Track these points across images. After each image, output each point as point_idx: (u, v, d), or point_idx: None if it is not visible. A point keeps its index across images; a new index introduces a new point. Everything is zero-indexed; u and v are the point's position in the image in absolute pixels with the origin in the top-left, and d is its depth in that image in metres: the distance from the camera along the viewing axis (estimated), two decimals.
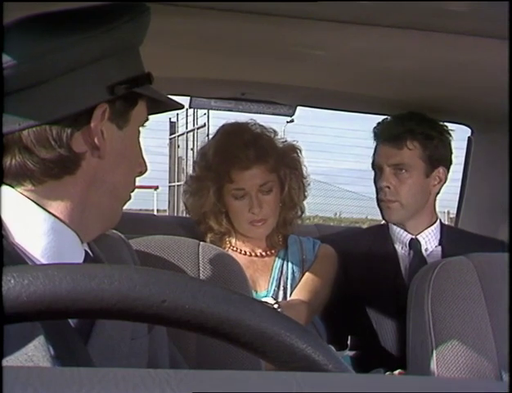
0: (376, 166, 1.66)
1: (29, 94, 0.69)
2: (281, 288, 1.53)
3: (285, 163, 1.56)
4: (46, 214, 0.72)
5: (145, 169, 0.84)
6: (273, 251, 1.59)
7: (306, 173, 1.62)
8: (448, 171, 1.68)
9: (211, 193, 1.52)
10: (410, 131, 1.61)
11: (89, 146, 0.73)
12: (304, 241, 1.61)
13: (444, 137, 1.65)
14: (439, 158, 1.63)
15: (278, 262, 1.57)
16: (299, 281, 1.54)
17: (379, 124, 1.69)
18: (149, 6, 0.78)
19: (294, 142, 1.62)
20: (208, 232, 1.57)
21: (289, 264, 1.55)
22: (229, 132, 1.56)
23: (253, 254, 1.57)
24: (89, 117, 0.73)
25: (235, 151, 1.49)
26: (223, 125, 1.60)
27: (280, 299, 1.51)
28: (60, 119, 0.70)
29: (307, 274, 1.55)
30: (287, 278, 1.54)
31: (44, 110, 0.70)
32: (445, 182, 1.68)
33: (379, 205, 1.67)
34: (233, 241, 1.58)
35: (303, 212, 1.64)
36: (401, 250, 1.65)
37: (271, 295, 1.52)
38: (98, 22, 0.72)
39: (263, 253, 1.58)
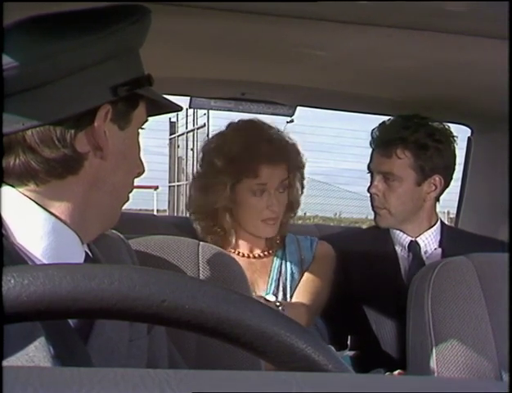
0: (369, 171, 1.66)
1: (34, 94, 0.69)
2: (280, 289, 1.53)
3: (296, 164, 1.57)
4: (47, 215, 0.72)
5: (143, 171, 0.85)
6: (271, 251, 1.58)
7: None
8: (448, 178, 1.64)
9: (228, 189, 1.50)
10: (401, 139, 1.57)
11: (92, 147, 0.74)
12: (302, 239, 1.60)
13: (442, 146, 1.60)
14: (434, 167, 1.59)
15: (276, 262, 1.56)
16: (299, 281, 1.53)
17: (374, 129, 1.66)
18: (150, 9, 0.78)
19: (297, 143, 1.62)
20: (211, 230, 1.56)
21: (288, 265, 1.55)
22: (254, 126, 1.54)
23: (251, 255, 1.56)
24: (92, 117, 0.73)
25: (266, 145, 1.48)
26: (241, 120, 1.58)
27: (279, 299, 1.51)
28: (64, 119, 0.71)
29: (306, 275, 1.54)
30: (286, 279, 1.53)
31: (48, 111, 0.70)
32: (446, 187, 1.65)
33: (371, 209, 1.67)
34: (233, 241, 1.57)
35: (295, 214, 1.65)
36: (400, 252, 1.65)
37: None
38: (101, 24, 0.72)
39: (261, 254, 1.57)
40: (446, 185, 1.66)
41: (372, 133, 1.66)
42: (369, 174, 1.67)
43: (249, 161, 1.48)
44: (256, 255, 1.57)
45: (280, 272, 1.55)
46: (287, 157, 1.52)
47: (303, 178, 1.61)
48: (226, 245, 1.56)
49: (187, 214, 1.68)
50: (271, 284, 1.53)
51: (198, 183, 1.58)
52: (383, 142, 1.61)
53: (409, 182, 1.60)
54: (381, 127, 1.65)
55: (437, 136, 1.60)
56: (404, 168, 1.59)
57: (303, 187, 1.62)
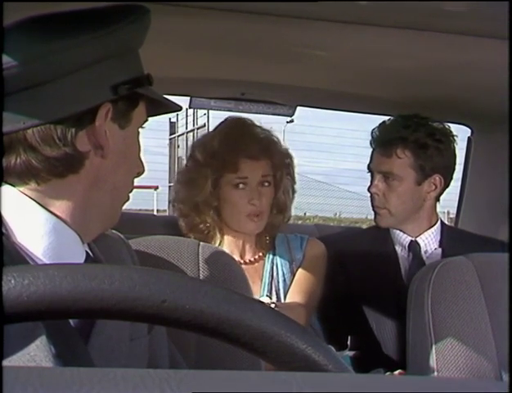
0: (369, 171, 1.66)
1: (34, 93, 0.69)
2: (274, 292, 1.52)
3: (284, 165, 1.58)
4: (48, 214, 0.72)
5: (143, 171, 0.85)
6: (261, 255, 1.58)
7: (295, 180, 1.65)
8: (448, 178, 1.64)
9: (209, 182, 1.52)
10: (401, 139, 1.57)
11: (93, 145, 0.74)
12: (292, 239, 1.60)
13: (442, 146, 1.60)
14: (434, 167, 1.59)
15: (268, 266, 1.56)
16: (291, 282, 1.54)
17: (373, 129, 1.66)
18: (149, 9, 0.78)
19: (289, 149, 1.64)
20: (195, 227, 1.56)
21: (279, 267, 1.55)
22: (237, 123, 1.57)
23: (242, 261, 1.55)
24: (93, 116, 0.73)
25: (246, 141, 1.51)
26: (228, 118, 1.61)
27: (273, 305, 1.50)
28: (65, 118, 0.71)
29: (298, 274, 1.54)
30: (278, 282, 1.53)
31: (49, 109, 0.70)
32: (446, 187, 1.65)
33: (372, 209, 1.67)
34: (217, 241, 1.57)
35: (289, 218, 1.66)
36: (400, 252, 1.65)
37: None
38: (100, 24, 0.73)
39: (252, 258, 1.57)
40: (447, 185, 1.66)
41: (372, 132, 1.66)
42: (369, 174, 1.67)
43: (229, 155, 1.50)
44: (247, 261, 1.57)
45: (272, 275, 1.55)
46: (269, 154, 1.53)
47: (293, 181, 1.63)
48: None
49: (173, 208, 1.67)
50: (263, 288, 1.53)
51: (182, 178, 1.60)
52: (383, 142, 1.61)
53: (409, 181, 1.60)
54: (381, 126, 1.65)
55: (438, 135, 1.60)
56: (404, 167, 1.59)
57: (293, 192, 1.63)
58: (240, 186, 1.51)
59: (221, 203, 1.54)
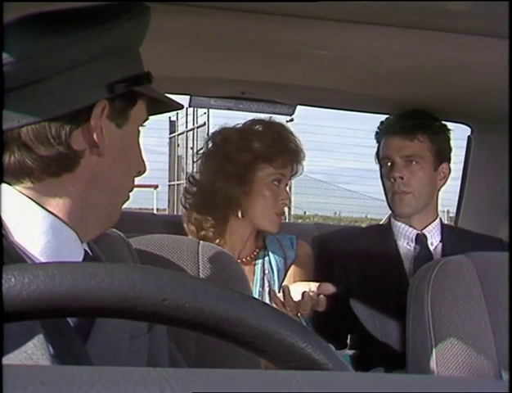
0: (386, 159, 1.67)
1: (29, 91, 0.69)
2: (265, 288, 1.54)
3: (297, 171, 1.63)
4: (45, 213, 0.72)
5: (145, 170, 0.84)
6: (254, 255, 1.60)
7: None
8: (450, 167, 1.71)
9: (257, 176, 1.53)
10: (421, 125, 1.65)
11: (88, 144, 0.73)
12: (281, 239, 1.62)
13: (446, 134, 1.70)
14: (444, 153, 1.68)
15: (259, 262, 1.58)
16: (284, 276, 1.55)
17: (386, 119, 1.73)
18: (149, 7, 0.78)
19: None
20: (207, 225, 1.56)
21: (273, 262, 1.57)
22: (284, 126, 1.61)
23: (239, 259, 1.57)
24: (88, 115, 0.72)
25: (292, 144, 1.57)
26: (263, 120, 1.62)
27: (266, 298, 1.51)
28: (60, 116, 0.70)
29: (292, 269, 1.57)
30: (271, 277, 1.55)
31: (43, 108, 0.70)
32: (447, 178, 1.71)
33: (390, 199, 1.66)
34: (223, 241, 1.58)
35: None
36: (406, 245, 1.66)
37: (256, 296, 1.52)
38: (98, 21, 0.72)
39: (244, 259, 1.58)
40: (447, 176, 1.72)
41: (382, 123, 1.71)
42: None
43: (281, 151, 1.53)
44: (242, 260, 1.57)
45: (264, 271, 1.56)
46: (300, 162, 1.59)
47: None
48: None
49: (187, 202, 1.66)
50: (256, 284, 1.54)
51: (221, 174, 1.54)
52: (404, 128, 1.65)
53: (428, 165, 1.65)
54: (396, 116, 1.71)
55: (442, 124, 1.71)
56: (425, 151, 1.65)
57: None
58: (277, 182, 1.54)
59: (253, 197, 1.54)
